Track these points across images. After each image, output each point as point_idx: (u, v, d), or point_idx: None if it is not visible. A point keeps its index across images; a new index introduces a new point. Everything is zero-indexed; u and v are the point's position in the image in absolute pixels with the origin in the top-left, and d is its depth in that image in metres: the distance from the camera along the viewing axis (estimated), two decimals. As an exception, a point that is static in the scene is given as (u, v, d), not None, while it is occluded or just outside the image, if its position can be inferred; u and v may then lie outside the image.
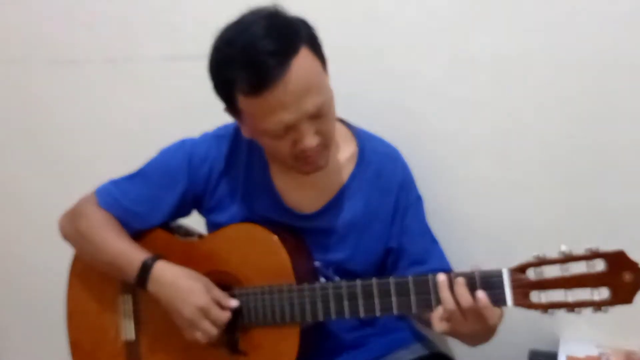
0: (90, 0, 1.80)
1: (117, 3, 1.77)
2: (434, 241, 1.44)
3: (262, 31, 1.11)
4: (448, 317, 1.13)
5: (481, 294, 1.09)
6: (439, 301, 1.14)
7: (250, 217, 1.37)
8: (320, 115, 1.17)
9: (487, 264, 1.14)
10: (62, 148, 1.97)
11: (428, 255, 1.40)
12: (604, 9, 1.40)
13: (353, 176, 1.37)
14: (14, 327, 2.22)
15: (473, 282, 1.12)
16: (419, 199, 1.44)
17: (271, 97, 1.11)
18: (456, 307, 1.11)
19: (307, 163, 1.24)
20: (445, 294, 1.12)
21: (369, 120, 1.48)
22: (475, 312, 1.10)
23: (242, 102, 1.16)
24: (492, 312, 1.10)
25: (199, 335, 1.26)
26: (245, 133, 1.28)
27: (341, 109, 1.39)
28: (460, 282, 1.11)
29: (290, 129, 1.16)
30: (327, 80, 1.22)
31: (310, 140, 1.18)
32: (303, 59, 1.12)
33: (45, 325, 2.13)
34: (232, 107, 1.21)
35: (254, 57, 1.10)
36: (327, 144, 1.23)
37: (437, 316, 1.14)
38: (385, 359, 1.43)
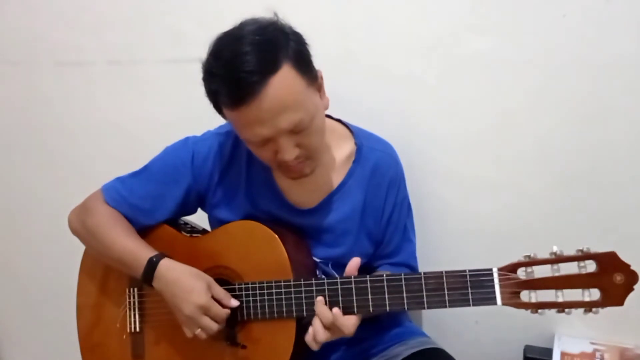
0: (95, 3, 1.80)
1: (121, 6, 1.78)
2: (409, 240, 1.49)
3: (245, 47, 1.13)
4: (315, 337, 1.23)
5: (335, 309, 1.22)
6: (430, 299, 1.18)
7: (253, 213, 1.40)
8: (300, 131, 1.19)
9: (480, 264, 1.16)
10: (67, 148, 1.98)
11: (398, 251, 1.46)
12: (598, 10, 1.41)
13: (351, 173, 1.40)
14: (18, 325, 2.24)
15: (464, 280, 1.15)
16: (405, 199, 1.48)
17: (247, 112, 1.14)
18: (323, 328, 1.22)
19: (290, 171, 1.27)
20: (317, 326, 1.23)
21: (366, 121, 1.50)
22: (334, 325, 1.22)
23: (225, 111, 1.20)
24: (345, 322, 1.21)
25: (199, 332, 1.29)
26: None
27: (339, 110, 1.41)
28: (319, 300, 1.23)
29: (269, 141, 1.20)
30: (313, 96, 1.23)
31: (289, 154, 1.20)
32: (282, 77, 1.14)
33: (51, 320, 2.16)
34: (220, 113, 1.25)
35: (233, 74, 1.13)
36: (309, 155, 1.25)
37: (309, 339, 1.23)
38: (382, 355, 1.46)
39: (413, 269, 1.47)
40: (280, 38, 1.17)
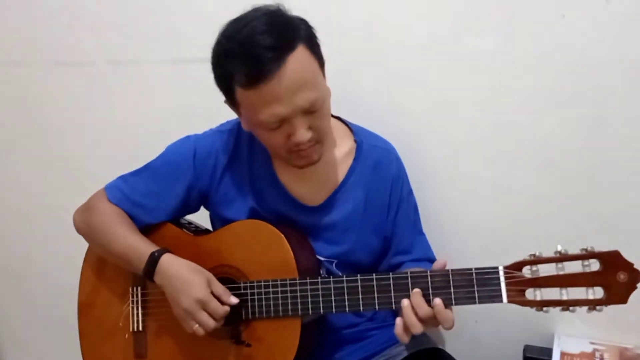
0: (94, 3, 1.81)
1: (120, 6, 1.78)
2: (420, 233, 1.50)
3: (261, 27, 1.15)
4: (409, 329, 1.18)
5: (438, 300, 1.16)
6: (436, 297, 1.17)
7: (257, 210, 1.40)
8: (314, 111, 1.21)
9: (482, 263, 1.17)
10: (68, 148, 1.97)
11: (412, 246, 1.46)
12: (598, 10, 1.42)
13: (352, 170, 1.41)
14: (19, 324, 2.24)
15: (470, 278, 1.16)
16: (410, 193, 1.49)
17: (266, 90, 1.15)
18: (418, 321, 1.17)
19: (300, 157, 1.27)
20: (412, 318, 1.17)
21: (367, 120, 1.50)
22: (432, 318, 1.17)
23: (240, 94, 1.20)
24: (446, 316, 1.16)
25: (196, 327, 1.28)
26: (244, 126, 1.32)
27: (339, 109, 1.42)
28: (417, 292, 1.18)
29: (284, 122, 1.20)
30: (323, 79, 1.25)
31: (303, 135, 1.21)
32: (299, 55, 1.16)
33: (52, 319, 2.15)
34: (230, 99, 1.25)
35: (251, 51, 1.14)
36: (320, 139, 1.27)
37: (400, 332, 1.19)
38: (384, 354, 1.47)
39: (434, 260, 1.44)
40: (291, 21, 1.20)
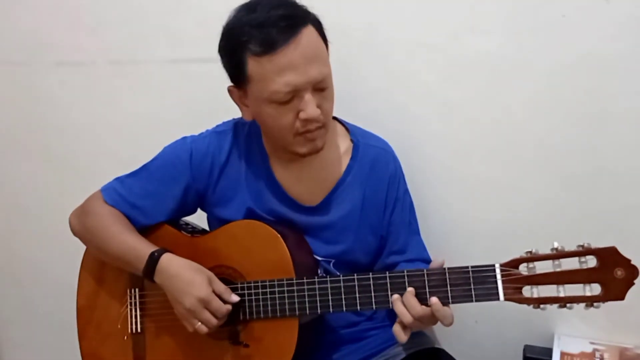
0: (95, 3, 1.81)
1: (121, 6, 1.79)
2: (416, 233, 1.50)
3: (274, 2, 1.20)
4: (406, 326, 1.19)
5: (434, 299, 1.16)
6: (433, 295, 1.17)
7: (254, 210, 1.40)
8: (324, 89, 1.24)
9: (481, 262, 1.17)
10: (68, 148, 1.97)
11: (407, 246, 1.46)
12: (598, 10, 1.42)
13: (349, 169, 1.41)
14: (18, 325, 2.23)
15: (467, 276, 1.15)
16: (406, 192, 1.49)
17: (282, 57, 1.18)
18: (412, 318, 1.17)
19: (306, 140, 1.28)
20: (400, 308, 1.18)
21: (367, 120, 1.51)
22: (430, 316, 1.17)
23: (252, 65, 1.21)
24: (445, 313, 1.17)
25: (198, 326, 1.28)
26: (247, 115, 1.32)
27: (339, 108, 1.42)
28: (410, 291, 1.18)
29: (295, 96, 1.22)
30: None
31: (314, 109, 1.22)
32: (311, 32, 1.21)
33: (51, 321, 2.15)
34: (239, 76, 1.26)
35: (266, 20, 1.18)
36: (325, 123, 1.28)
37: (398, 329, 1.20)
38: (383, 354, 1.46)
39: (428, 261, 1.46)
40: (302, 5, 1.25)
